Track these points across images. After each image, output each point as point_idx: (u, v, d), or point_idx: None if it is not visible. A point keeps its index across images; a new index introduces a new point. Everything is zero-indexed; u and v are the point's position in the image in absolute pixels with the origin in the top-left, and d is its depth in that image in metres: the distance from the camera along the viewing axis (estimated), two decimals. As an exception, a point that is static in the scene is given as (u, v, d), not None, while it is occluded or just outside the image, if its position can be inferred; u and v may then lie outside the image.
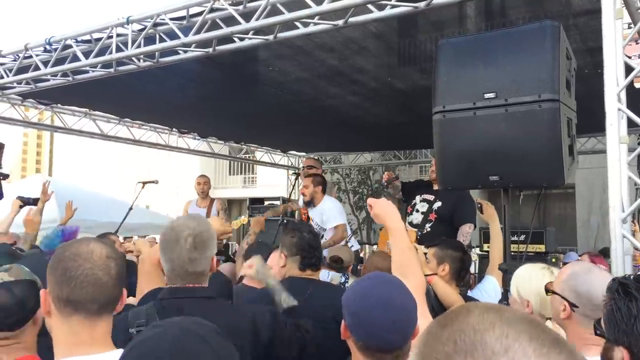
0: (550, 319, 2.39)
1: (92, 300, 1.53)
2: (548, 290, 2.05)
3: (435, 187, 5.21)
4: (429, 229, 5.00)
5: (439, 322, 0.70)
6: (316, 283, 2.82)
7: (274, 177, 15.68)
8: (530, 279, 2.46)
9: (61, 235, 3.68)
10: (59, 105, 7.24)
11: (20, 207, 4.94)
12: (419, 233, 5.01)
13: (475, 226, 4.99)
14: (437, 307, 2.47)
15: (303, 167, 6.88)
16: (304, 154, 10.99)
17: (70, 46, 4.70)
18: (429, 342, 0.67)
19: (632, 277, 1.48)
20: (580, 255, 6.92)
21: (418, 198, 5.28)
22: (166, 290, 2.09)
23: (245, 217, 6.75)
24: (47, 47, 4.80)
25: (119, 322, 1.83)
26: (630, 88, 2.84)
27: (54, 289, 1.54)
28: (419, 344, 0.70)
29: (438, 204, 5.08)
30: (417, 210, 5.20)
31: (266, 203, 10.04)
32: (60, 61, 4.80)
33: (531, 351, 0.61)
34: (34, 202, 5.01)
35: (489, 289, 3.34)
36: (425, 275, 2.98)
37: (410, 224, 5.19)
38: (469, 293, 3.27)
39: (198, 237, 2.07)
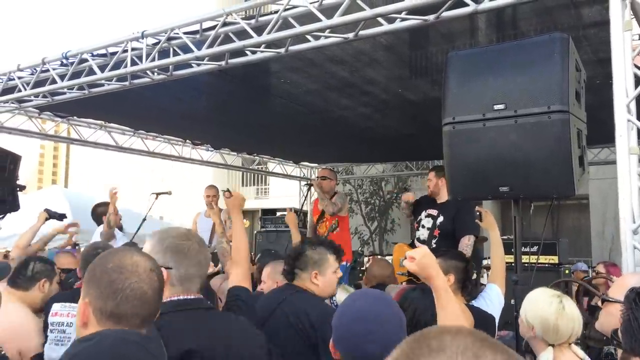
0: (553, 345, 2.38)
1: (136, 314, 1.50)
2: (605, 300, 2.03)
3: (438, 201, 5.22)
4: (434, 245, 4.95)
5: (407, 354, 0.67)
6: (295, 291, 2.91)
7: (286, 188, 15.75)
8: (537, 304, 2.46)
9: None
10: (75, 117, 7.36)
11: (46, 219, 5.03)
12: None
13: (476, 237, 4.89)
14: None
15: (317, 177, 6.89)
16: (316, 165, 11.03)
17: (86, 60, 4.79)
18: None
19: None
20: (595, 265, 6.86)
21: (423, 214, 5.26)
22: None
23: (246, 221, 6.78)
24: (64, 61, 4.90)
25: None
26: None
27: (97, 301, 1.49)
28: None
29: (440, 219, 5.05)
30: (424, 227, 5.19)
31: (278, 214, 10.09)
32: (76, 75, 4.89)
33: None
34: (60, 217, 5.09)
35: (492, 297, 3.33)
36: None
37: (418, 239, 5.21)
38: (473, 302, 3.26)
39: (201, 239, 2.13)
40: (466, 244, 4.76)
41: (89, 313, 1.49)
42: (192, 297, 2.00)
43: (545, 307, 2.43)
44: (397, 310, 1.77)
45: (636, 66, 2.84)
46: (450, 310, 2.02)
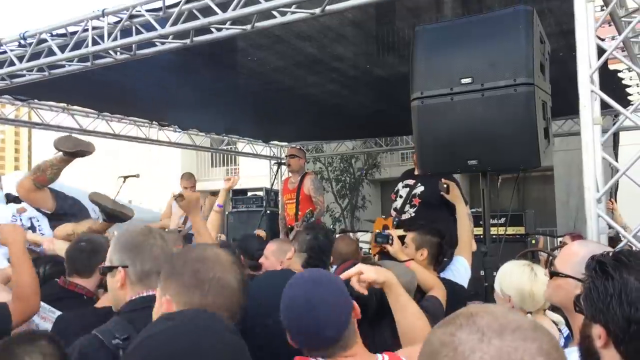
0: (530, 312, 2.47)
1: (224, 306, 1.41)
2: (555, 274, 1.94)
3: (417, 172, 5.21)
4: (413, 214, 5.01)
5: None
6: None
7: (256, 168, 15.64)
8: (511, 275, 2.58)
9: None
10: (35, 100, 7.14)
11: None
12: (396, 220, 5.05)
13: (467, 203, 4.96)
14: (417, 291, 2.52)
15: (286, 156, 6.85)
16: (285, 143, 10.98)
17: (45, 40, 4.63)
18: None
19: (610, 255, 1.48)
20: (562, 236, 7.04)
21: (400, 184, 5.31)
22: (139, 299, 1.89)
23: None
24: (22, 41, 4.73)
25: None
26: (604, 70, 2.89)
27: (180, 295, 1.40)
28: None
29: (420, 188, 5.08)
30: (401, 197, 5.23)
31: (249, 194, 10.04)
32: (35, 56, 4.73)
33: None
34: (15, 200, 4.94)
35: (460, 269, 3.41)
36: (402, 262, 3.04)
37: (395, 209, 5.24)
38: (441, 274, 3.33)
39: (163, 234, 2.00)
40: (468, 213, 4.86)
41: (171, 309, 1.40)
42: (153, 293, 1.87)
43: (518, 276, 2.54)
44: (337, 286, 1.70)
45: (599, 37, 2.89)
46: (411, 311, 2.01)
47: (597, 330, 1.39)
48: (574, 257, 1.91)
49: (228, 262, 1.49)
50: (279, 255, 3.25)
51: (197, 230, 2.82)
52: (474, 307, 0.94)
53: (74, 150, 4.30)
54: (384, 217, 5.63)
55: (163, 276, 1.47)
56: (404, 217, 5.05)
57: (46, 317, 2.60)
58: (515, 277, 2.55)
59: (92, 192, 4.20)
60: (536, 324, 0.90)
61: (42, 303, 2.60)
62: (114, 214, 4.13)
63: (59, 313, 2.55)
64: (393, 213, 5.25)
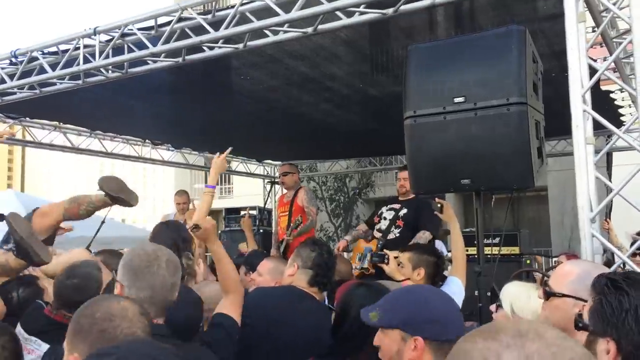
0: None
1: None
2: (552, 295, 1.91)
3: (401, 198, 5.52)
4: (397, 234, 5.20)
5: None
6: (313, 302, 2.74)
7: (250, 186, 15.61)
8: (529, 298, 2.47)
9: None
10: (27, 119, 7.10)
11: None
12: (381, 242, 5.19)
13: (434, 237, 5.19)
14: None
15: (279, 174, 6.81)
16: (279, 162, 10.96)
17: (36, 58, 4.62)
18: None
19: (619, 273, 1.55)
20: (557, 256, 7.00)
21: (384, 208, 5.53)
22: None
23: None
24: (13, 59, 4.72)
25: None
26: (597, 91, 2.88)
27: (88, 353, 1.37)
28: None
29: (404, 210, 5.32)
30: (385, 218, 5.42)
31: (242, 213, 9.98)
32: (26, 74, 4.71)
33: None
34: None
35: (455, 290, 3.34)
36: (398, 281, 3.00)
37: (379, 230, 5.39)
38: None
39: (171, 261, 1.98)
40: (420, 237, 5.02)
41: None
42: None
43: (537, 300, 2.43)
44: None
45: (590, 57, 2.89)
46: None
47: (604, 346, 1.41)
48: (569, 276, 1.91)
49: (135, 316, 1.50)
50: (275, 275, 3.18)
51: (218, 259, 2.71)
52: (523, 324, 0.85)
53: (116, 194, 3.88)
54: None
55: (70, 332, 1.49)
56: (390, 237, 5.21)
57: (32, 350, 2.48)
58: (534, 301, 2.41)
59: (12, 213, 3.30)
60: (590, 356, 0.83)
61: (27, 335, 2.51)
62: (23, 248, 3.06)
63: (46, 346, 2.46)
64: (377, 234, 5.38)
